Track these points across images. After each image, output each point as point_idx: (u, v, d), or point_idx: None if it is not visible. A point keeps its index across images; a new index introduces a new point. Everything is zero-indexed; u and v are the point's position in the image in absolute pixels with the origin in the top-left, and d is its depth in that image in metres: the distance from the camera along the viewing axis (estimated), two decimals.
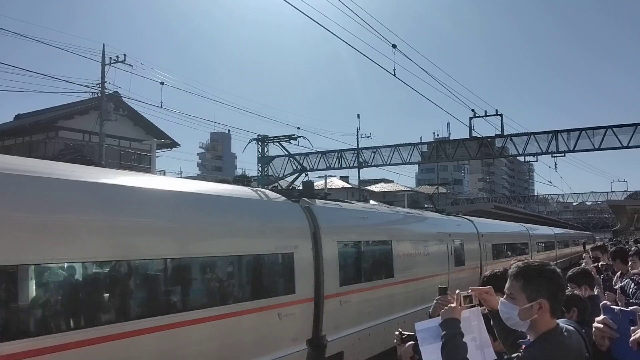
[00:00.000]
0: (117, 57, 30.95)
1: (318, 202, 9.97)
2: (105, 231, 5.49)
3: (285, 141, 14.15)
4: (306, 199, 9.59)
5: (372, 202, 16.18)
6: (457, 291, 2.95)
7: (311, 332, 8.38)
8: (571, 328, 2.61)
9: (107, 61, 30.80)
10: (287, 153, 15.99)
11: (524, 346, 2.52)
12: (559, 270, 2.64)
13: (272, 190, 9.70)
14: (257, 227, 7.81)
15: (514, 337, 2.72)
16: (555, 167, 44.44)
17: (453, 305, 2.87)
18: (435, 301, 3.29)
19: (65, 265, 5.14)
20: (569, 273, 5.57)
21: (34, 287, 4.84)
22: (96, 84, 31.26)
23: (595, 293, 5.56)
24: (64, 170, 5.80)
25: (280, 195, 9.22)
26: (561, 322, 2.63)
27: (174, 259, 6.21)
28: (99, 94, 31.59)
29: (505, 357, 2.63)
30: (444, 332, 2.75)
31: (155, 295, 5.98)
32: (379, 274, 10.93)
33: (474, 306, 2.93)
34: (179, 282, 6.32)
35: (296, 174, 12.78)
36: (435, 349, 2.77)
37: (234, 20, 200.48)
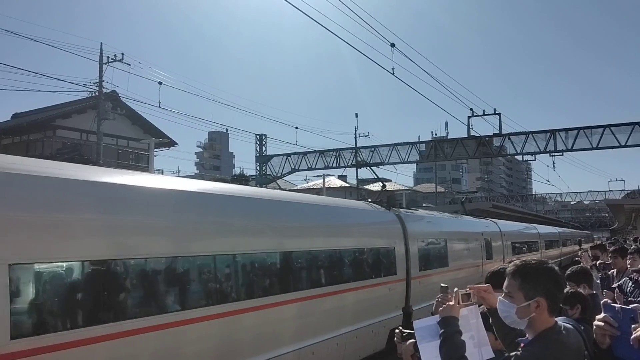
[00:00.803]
0: (115, 56, 30.92)
1: (402, 210, 13.83)
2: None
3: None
4: (394, 208, 13.42)
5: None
6: (455, 289, 2.94)
7: (404, 302, 11.94)
8: (569, 326, 2.60)
9: (105, 60, 30.74)
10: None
11: (522, 345, 2.52)
12: (556, 268, 2.64)
13: (372, 202, 13.61)
14: (377, 229, 12.02)
15: (512, 335, 2.71)
16: (554, 166, 44.51)
17: (451, 303, 2.87)
18: (436, 300, 3.29)
19: (137, 259, 5.83)
20: (568, 272, 5.56)
21: (117, 278, 5.62)
22: (94, 83, 31.24)
23: (594, 292, 5.55)
24: (135, 177, 6.77)
25: (380, 207, 12.94)
26: (560, 320, 2.63)
27: (336, 250, 9.73)
28: (97, 93, 31.53)
29: (505, 355, 2.61)
30: (442, 330, 2.75)
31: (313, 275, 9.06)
32: (440, 263, 14.47)
33: (472, 304, 2.92)
34: (339, 265, 9.84)
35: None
36: (433, 347, 2.77)
37: (234, 20, 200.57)
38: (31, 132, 40.05)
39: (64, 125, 39.40)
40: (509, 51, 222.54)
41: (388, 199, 14.32)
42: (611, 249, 6.16)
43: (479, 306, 2.98)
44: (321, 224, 9.85)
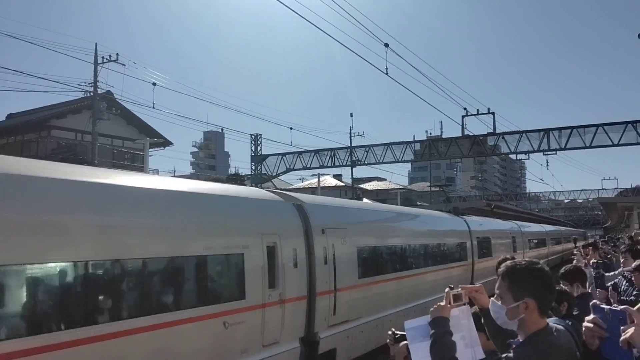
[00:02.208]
0: (110, 56, 30.86)
1: (466, 217, 19.82)
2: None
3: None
4: (461, 216, 19.57)
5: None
6: (447, 289, 2.95)
7: (471, 278, 16.83)
8: (561, 327, 2.61)
9: (99, 60, 30.70)
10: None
11: (513, 346, 2.52)
12: (547, 269, 2.62)
13: (447, 211, 19.14)
14: (454, 232, 17.26)
15: (504, 336, 2.72)
16: (547, 165, 44.89)
17: (442, 303, 2.88)
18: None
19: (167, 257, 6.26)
20: (562, 270, 5.61)
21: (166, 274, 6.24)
22: (89, 83, 31.19)
23: (589, 290, 5.58)
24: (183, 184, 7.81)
25: (453, 214, 19.02)
26: (551, 321, 2.64)
27: (403, 246, 12.89)
28: (92, 94, 31.50)
29: (497, 356, 2.62)
30: (433, 330, 2.77)
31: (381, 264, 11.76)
32: (488, 253, 19.57)
33: (464, 304, 2.93)
34: (435, 253, 14.94)
35: None
36: (424, 347, 2.78)
37: (227, 21, 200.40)
38: (26, 133, 39.92)
39: (59, 125, 39.29)
40: (503, 51, 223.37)
41: (455, 209, 21.33)
42: (622, 249, 6.06)
43: (470, 306, 2.99)
44: (424, 228, 15.14)
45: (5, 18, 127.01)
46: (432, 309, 2.90)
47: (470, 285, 3.05)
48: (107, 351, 5.30)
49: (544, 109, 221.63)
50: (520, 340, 2.50)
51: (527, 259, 2.68)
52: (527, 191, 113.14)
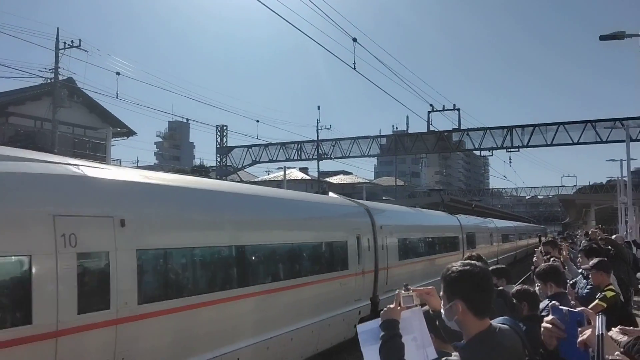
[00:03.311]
0: (72, 42, 30.08)
1: (461, 215, 24.68)
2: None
3: None
4: (456, 214, 24.57)
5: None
6: (397, 291, 2.98)
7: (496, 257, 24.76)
8: (505, 327, 2.60)
9: (61, 46, 29.89)
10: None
11: (456, 348, 2.53)
12: (480, 270, 2.57)
13: (444, 211, 23.87)
14: (452, 227, 20.85)
15: (455, 338, 2.72)
16: (510, 161, 45.67)
17: (392, 306, 2.91)
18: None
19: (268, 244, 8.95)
20: (537, 270, 5.58)
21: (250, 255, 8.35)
22: (49, 70, 30.31)
23: (566, 290, 5.46)
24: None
25: (448, 213, 23.72)
26: (497, 321, 2.65)
27: (425, 237, 17.57)
28: (52, 80, 30.64)
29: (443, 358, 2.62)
30: (382, 333, 2.80)
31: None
32: (473, 245, 23.08)
33: (415, 306, 2.94)
34: (429, 245, 18.07)
35: None
36: (376, 349, 2.80)
37: (200, 13, 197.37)
38: None
39: (17, 112, 38.07)
40: (470, 47, 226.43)
41: (447, 207, 26.24)
42: (592, 263, 5.84)
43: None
44: (435, 224, 19.51)
45: None
46: (382, 311, 2.92)
47: (421, 288, 3.07)
48: (287, 298, 8.96)
49: (508, 105, 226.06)
50: (464, 342, 2.51)
51: (462, 261, 2.68)
52: (490, 187, 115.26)
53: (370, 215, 12.97)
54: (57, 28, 48.81)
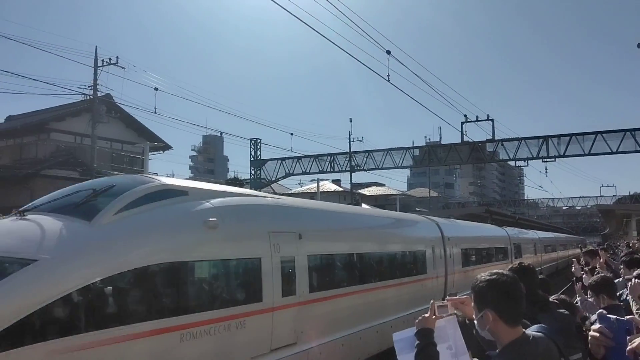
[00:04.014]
0: (110, 59, 30.88)
1: (507, 228, 25.99)
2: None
3: None
4: (505, 227, 26.55)
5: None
6: (432, 301, 3.03)
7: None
8: (540, 335, 2.62)
9: (99, 63, 30.71)
10: None
11: (491, 357, 2.59)
12: (508, 279, 2.61)
13: (491, 223, 26.23)
14: (501, 239, 23.07)
15: (493, 348, 2.75)
16: (546, 171, 44.97)
17: (426, 315, 2.95)
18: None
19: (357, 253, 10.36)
20: (590, 282, 5.45)
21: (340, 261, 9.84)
22: (88, 86, 31.16)
23: (620, 302, 5.28)
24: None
25: (496, 225, 25.54)
26: (532, 329, 2.68)
27: (482, 247, 19.86)
28: (91, 97, 31.47)
29: None
30: (417, 342, 2.84)
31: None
32: (520, 255, 24.76)
33: (450, 315, 2.98)
34: (484, 255, 20.10)
35: None
36: (411, 358, 2.84)
37: (229, 29, 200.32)
38: (25, 135, 39.82)
39: (58, 128, 39.21)
40: (504, 59, 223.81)
41: (499, 222, 28.51)
42: (636, 273, 5.66)
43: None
44: (488, 235, 21.57)
45: (8, 21, 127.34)
46: (417, 320, 2.96)
47: (456, 297, 3.09)
48: (389, 294, 11.01)
49: (542, 118, 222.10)
50: (497, 351, 2.54)
51: (490, 271, 2.71)
52: (526, 197, 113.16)
53: (439, 228, 15.20)
54: (96, 46, 50.14)
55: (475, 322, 2.68)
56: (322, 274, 8.86)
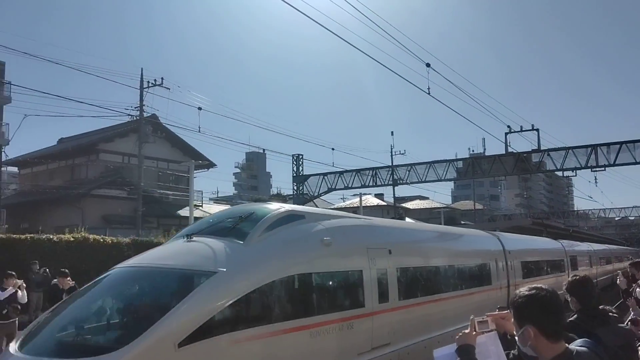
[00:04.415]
0: (155, 80, 31.72)
1: (563, 240, 26.37)
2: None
3: None
4: (560, 240, 26.76)
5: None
6: (472, 317, 2.99)
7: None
8: (584, 349, 2.57)
9: (145, 85, 31.57)
10: None
11: None
12: (548, 294, 2.58)
13: (546, 236, 26.35)
14: (557, 251, 23.34)
15: None
16: (595, 181, 43.58)
17: (467, 331, 2.92)
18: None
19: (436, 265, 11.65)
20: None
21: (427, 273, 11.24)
22: (135, 108, 32.07)
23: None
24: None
25: (551, 239, 25.74)
26: (576, 343, 2.63)
27: (540, 260, 20.39)
28: (138, 117, 32.36)
29: None
30: (458, 358, 2.83)
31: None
32: (575, 267, 25.15)
33: (491, 331, 2.95)
34: (540, 267, 20.23)
35: None
36: None
37: (262, 43, 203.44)
38: (76, 156, 41.29)
39: (107, 149, 40.51)
40: (548, 68, 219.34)
41: (554, 235, 29.11)
42: None
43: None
44: (545, 248, 22.15)
45: (58, 47, 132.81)
46: (457, 336, 2.94)
47: (497, 313, 3.06)
48: (460, 302, 11.80)
49: (589, 127, 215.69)
50: None
51: (529, 286, 2.67)
52: (575, 208, 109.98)
53: (501, 242, 16.18)
54: (142, 69, 51.64)
55: (516, 338, 2.64)
56: (407, 284, 10.00)
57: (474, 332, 2.91)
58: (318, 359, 7.23)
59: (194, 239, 7.28)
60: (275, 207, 8.33)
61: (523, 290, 2.63)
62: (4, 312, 11.25)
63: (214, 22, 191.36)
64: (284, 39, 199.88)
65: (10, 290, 11.44)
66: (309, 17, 11.13)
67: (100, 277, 7.21)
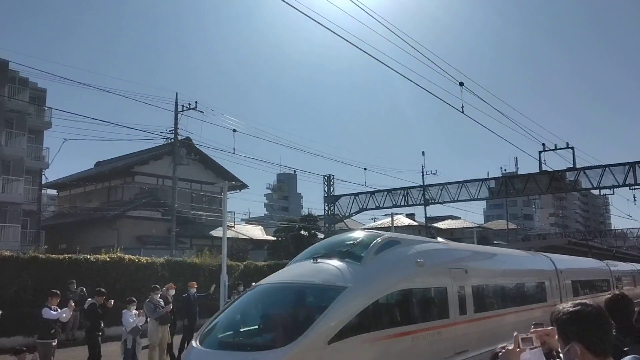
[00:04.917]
0: (189, 104, 32.35)
1: (607, 261, 27.96)
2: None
3: None
4: (605, 260, 28.20)
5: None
6: (515, 333, 2.93)
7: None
8: None
9: (179, 109, 32.23)
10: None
11: None
12: (592, 309, 2.52)
13: (591, 258, 28.08)
14: (600, 271, 24.59)
15: None
16: (634, 199, 42.56)
17: (510, 348, 2.87)
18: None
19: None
20: None
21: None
22: (169, 131, 32.70)
23: None
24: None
25: (598, 259, 27.23)
26: (627, 359, 2.58)
27: (588, 280, 21.89)
28: (172, 140, 33.00)
29: None
30: None
31: None
32: (622, 287, 25.30)
33: (536, 348, 2.86)
34: (589, 286, 21.76)
35: None
36: None
37: (295, 66, 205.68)
38: (112, 179, 42.24)
39: (142, 171, 41.32)
40: (581, 85, 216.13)
41: (599, 256, 30.66)
42: None
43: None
44: (591, 267, 23.98)
45: (89, 71, 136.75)
46: (500, 354, 2.90)
47: (541, 329, 3.03)
48: (515, 317, 12.40)
49: (627, 144, 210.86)
50: None
51: (576, 302, 2.61)
52: (612, 228, 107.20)
53: (553, 263, 17.53)
54: (176, 93, 52.74)
55: (561, 355, 2.60)
56: (480, 299, 11.31)
57: (518, 349, 2.86)
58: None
59: (319, 260, 8.94)
60: (377, 234, 10.08)
61: (567, 306, 2.58)
62: (52, 331, 11.46)
63: (249, 48, 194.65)
64: (317, 59, 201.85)
65: (65, 310, 11.73)
66: (343, 38, 11.31)
67: (248, 291, 9.33)
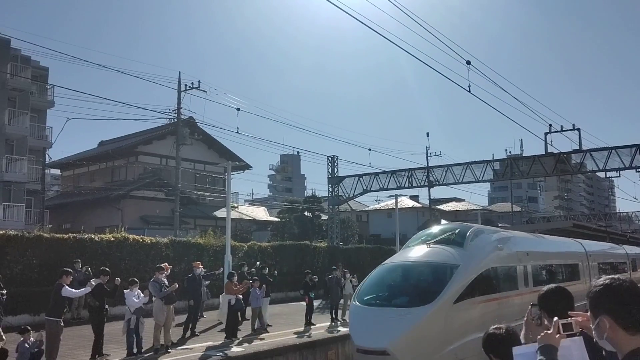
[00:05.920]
0: (192, 83, 32.09)
1: (625, 246, 30.97)
2: None
3: None
4: (623, 245, 31.34)
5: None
6: (555, 319, 2.86)
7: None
8: None
9: (183, 88, 31.98)
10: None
11: None
12: (625, 283, 2.47)
13: (611, 243, 30.37)
14: (620, 255, 27.78)
15: None
16: None
17: (550, 331, 2.81)
18: (526, 318, 3.26)
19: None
20: None
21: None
22: (173, 110, 32.47)
23: None
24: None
25: (616, 244, 30.33)
26: None
27: (612, 261, 25.56)
28: (175, 120, 32.81)
29: None
30: (541, 357, 2.72)
31: None
32: (634, 269, 28.30)
33: (576, 334, 2.80)
34: (611, 268, 24.60)
35: None
36: None
37: (297, 47, 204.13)
38: (116, 159, 42.18)
39: (145, 151, 41.25)
40: (589, 64, 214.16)
41: (615, 240, 32.72)
42: None
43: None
44: (611, 252, 26.57)
45: (98, 51, 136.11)
46: (539, 337, 2.84)
47: (581, 313, 2.92)
48: (570, 289, 13.01)
49: (634, 126, 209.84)
50: None
51: (608, 276, 2.54)
52: (618, 211, 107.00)
53: (583, 247, 20.28)
54: (179, 72, 52.34)
55: (593, 331, 2.51)
56: (536, 275, 14.68)
57: (557, 335, 2.80)
58: (501, 319, 10.75)
59: (431, 245, 12.29)
60: (468, 225, 13.62)
61: (600, 279, 2.52)
62: (65, 310, 11.44)
63: (253, 29, 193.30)
64: (322, 41, 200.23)
65: (87, 288, 11.84)
66: (350, 15, 11.09)
67: (377, 269, 12.60)
